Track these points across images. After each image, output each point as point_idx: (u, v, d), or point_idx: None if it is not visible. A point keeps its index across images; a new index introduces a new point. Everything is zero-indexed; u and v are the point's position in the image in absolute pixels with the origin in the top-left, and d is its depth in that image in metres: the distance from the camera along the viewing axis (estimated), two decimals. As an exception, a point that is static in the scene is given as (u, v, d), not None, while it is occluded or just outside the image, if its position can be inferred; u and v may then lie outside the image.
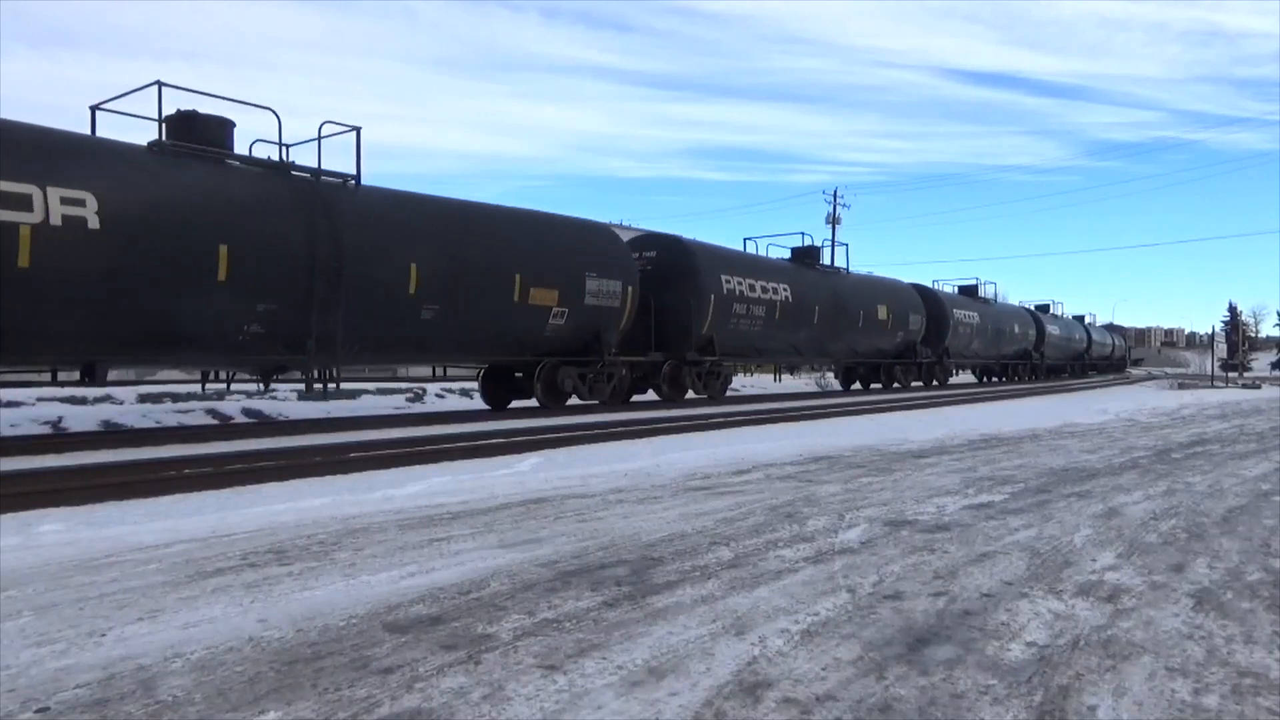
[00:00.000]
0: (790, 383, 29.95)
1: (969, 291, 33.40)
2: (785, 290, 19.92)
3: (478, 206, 14.00)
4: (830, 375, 29.61)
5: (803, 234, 22.57)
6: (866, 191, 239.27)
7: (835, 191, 49.70)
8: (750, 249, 21.36)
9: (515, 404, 15.23)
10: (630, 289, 15.44)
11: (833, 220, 48.47)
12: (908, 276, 30.51)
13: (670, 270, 17.37)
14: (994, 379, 35.98)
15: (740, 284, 18.50)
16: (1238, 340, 64.02)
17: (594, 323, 14.82)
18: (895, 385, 25.93)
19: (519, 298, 13.39)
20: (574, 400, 15.09)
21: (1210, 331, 53.69)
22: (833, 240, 48.12)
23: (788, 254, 22.31)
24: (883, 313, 24.29)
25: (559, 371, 14.52)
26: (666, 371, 17.24)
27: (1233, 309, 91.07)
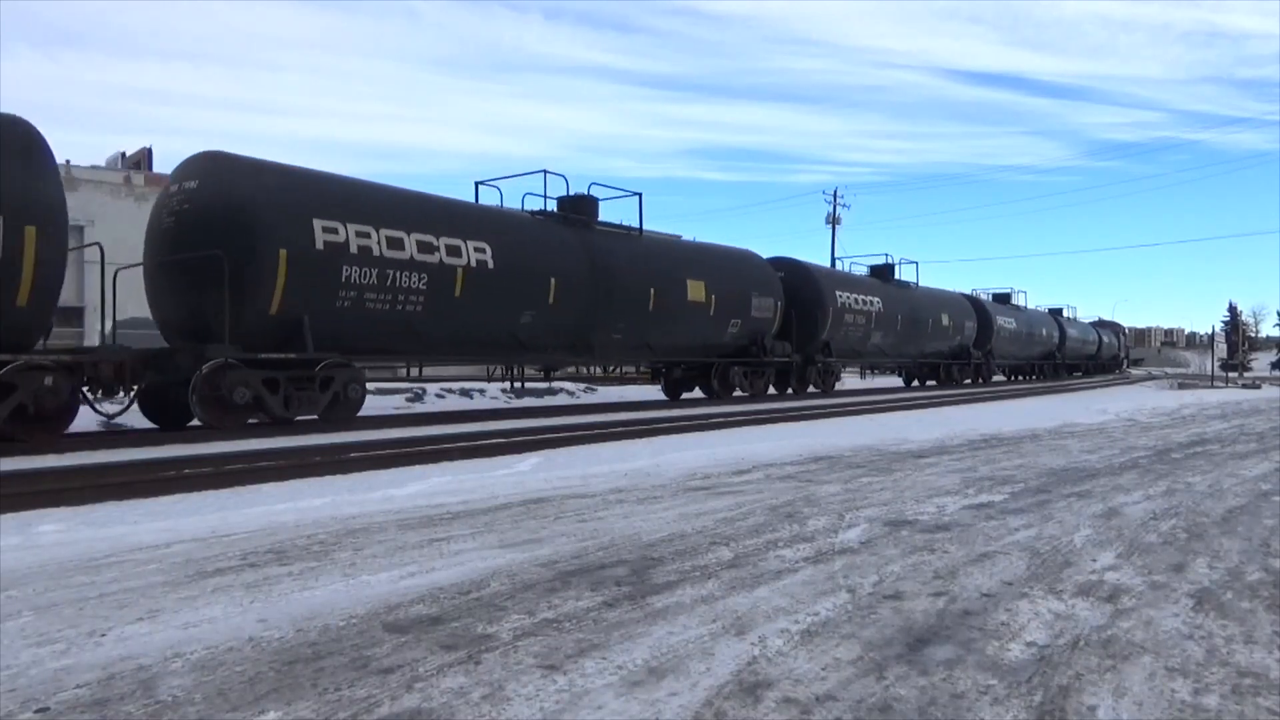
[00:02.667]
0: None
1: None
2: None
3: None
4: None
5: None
6: (868, 192, 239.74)
7: (835, 192, 49.77)
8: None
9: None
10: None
11: (833, 220, 48.52)
12: (908, 277, 30.17)
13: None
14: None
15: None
16: (1238, 340, 64.00)
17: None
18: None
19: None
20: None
21: (1210, 331, 53.64)
22: (833, 240, 48.12)
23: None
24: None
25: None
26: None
27: (1233, 309, 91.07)
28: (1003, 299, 36.88)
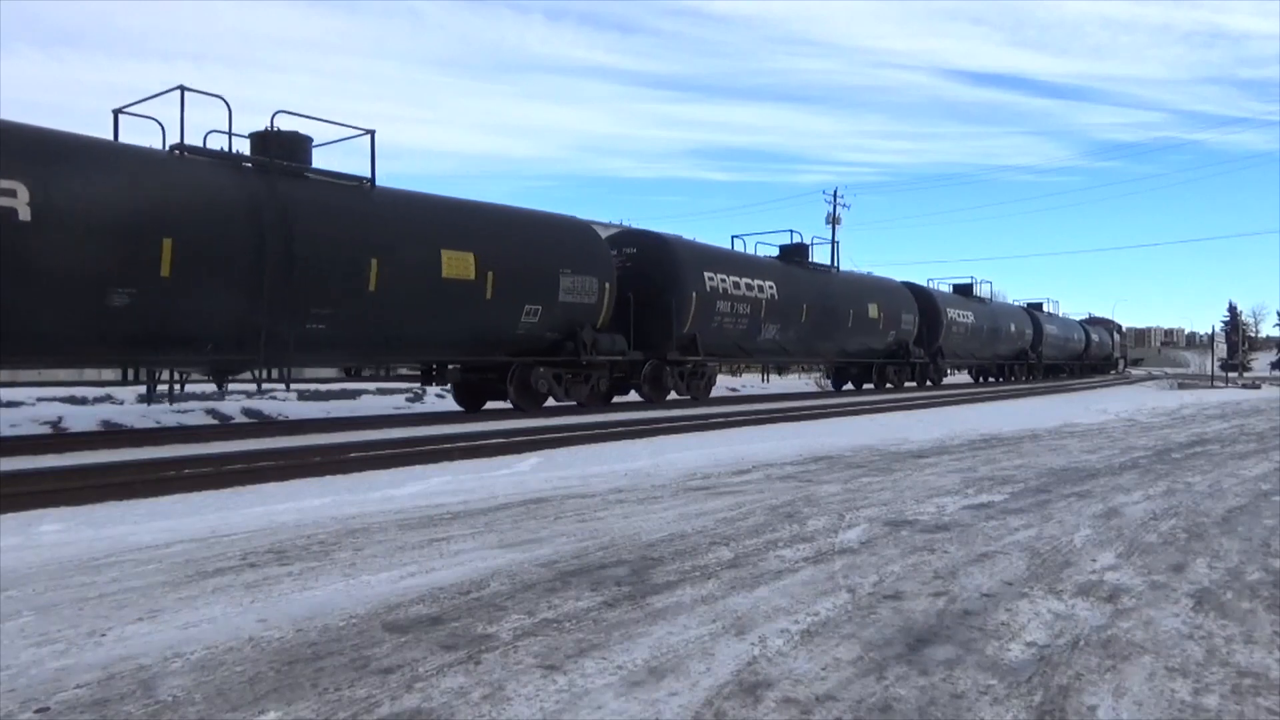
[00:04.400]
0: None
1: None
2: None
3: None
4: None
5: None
6: (869, 192, 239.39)
7: (835, 191, 49.74)
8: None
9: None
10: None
11: (833, 220, 48.47)
12: (909, 277, 29.80)
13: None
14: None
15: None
16: (1238, 340, 64.01)
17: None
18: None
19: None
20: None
21: (1210, 331, 53.59)
22: (833, 240, 48.11)
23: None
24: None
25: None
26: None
27: (1233, 309, 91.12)
28: (964, 290, 32.21)
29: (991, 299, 34.28)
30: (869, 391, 24.06)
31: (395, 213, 12.08)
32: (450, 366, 13.70)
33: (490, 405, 14.72)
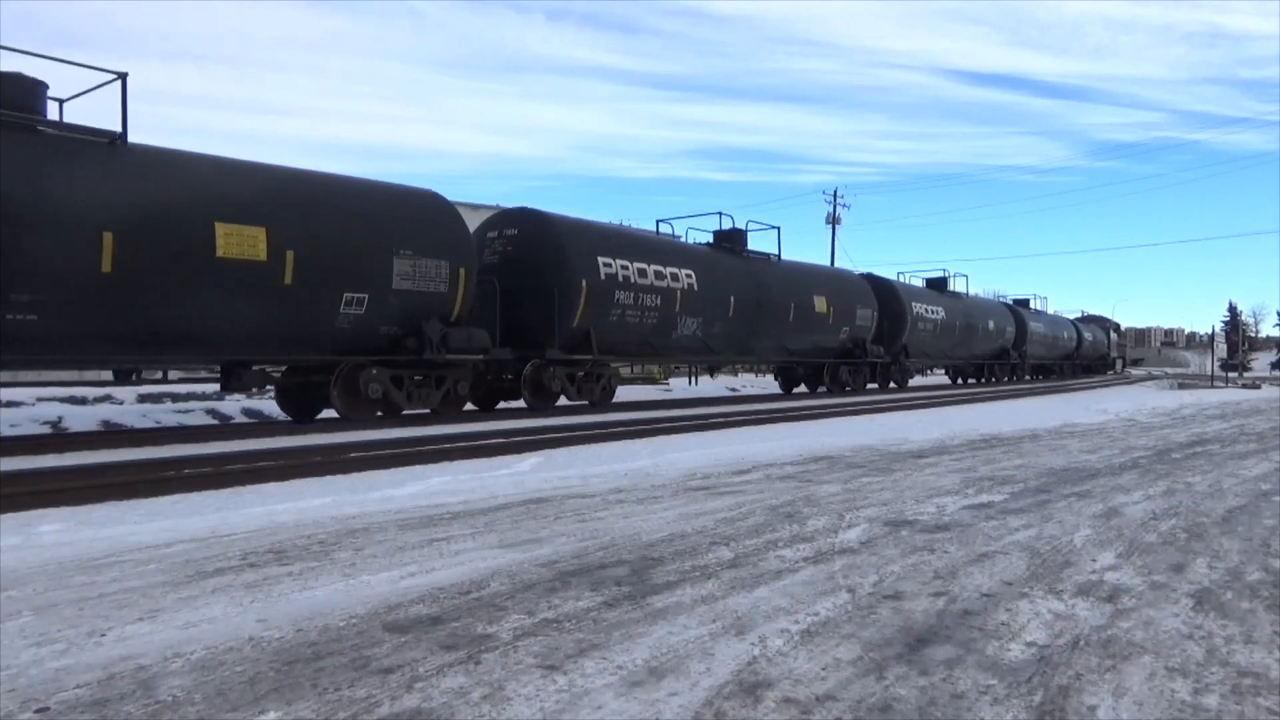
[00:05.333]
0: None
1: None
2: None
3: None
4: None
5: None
6: (869, 192, 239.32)
7: (835, 191, 49.73)
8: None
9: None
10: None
11: (833, 220, 48.51)
12: (907, 277, 28.16)
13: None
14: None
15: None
16: (1238, 340, 64.03)
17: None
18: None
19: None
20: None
21: (1210, 331, 53.57)
22: (833, 240, 48.09)
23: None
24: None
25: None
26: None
27: (1233, 309, 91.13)
28: (937, 284, 29.68)
29: (968, 294, 31.25)
30: (822, 395, 21.21)
31: (148, 177, 9.60)
32: (255, 368, 11.04)
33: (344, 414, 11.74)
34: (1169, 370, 63.34)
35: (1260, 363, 72.41)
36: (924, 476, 6.81)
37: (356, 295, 11.23)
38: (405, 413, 12.20)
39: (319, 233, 10.86)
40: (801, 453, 8.43)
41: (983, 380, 33.01)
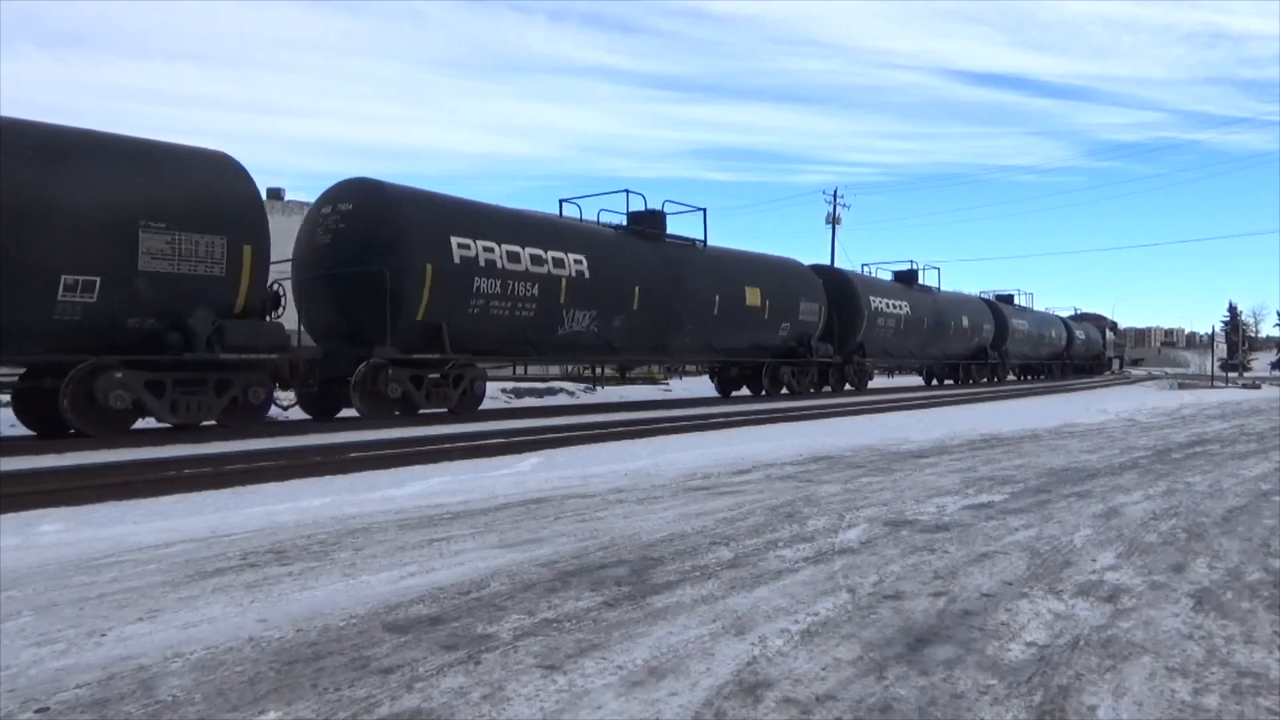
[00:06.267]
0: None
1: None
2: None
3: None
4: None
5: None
6: (870, 192, 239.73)
7: (835, 191, 49.70)
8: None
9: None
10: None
11: (833, 220, 48.49)
12: (875, 270, 25.96)
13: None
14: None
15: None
16: (1238, 340, 64.00)
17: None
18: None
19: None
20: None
21: (1210, 331, 53.55)
22: (832, 240, 48.07)
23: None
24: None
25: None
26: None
27: (1233, 309, 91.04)
28: (906, 278, 27.10)
29: (939, 288, 28.77)
30: (761, 399, 18.89)
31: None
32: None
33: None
34: (1169, 370, 63.23)
35: (1260, 363, 72.38)
36: (924, 476, 6.81)
37: (84, 279, 8.95)
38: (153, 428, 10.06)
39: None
40: (801, 453, 8.43)
41: (959, 382, 30.55)
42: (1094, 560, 3.97)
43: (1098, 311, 55.20)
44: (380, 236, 12.10)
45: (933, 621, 3.02)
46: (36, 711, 2.24)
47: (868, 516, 5.05)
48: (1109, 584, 3.55)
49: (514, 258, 13.56)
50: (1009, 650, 2.73)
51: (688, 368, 22.13)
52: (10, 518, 5.11)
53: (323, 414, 12.42)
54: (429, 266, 12.33)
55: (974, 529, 4.69)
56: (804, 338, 20.57)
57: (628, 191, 17.00)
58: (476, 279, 12.98)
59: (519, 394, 19.92)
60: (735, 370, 20.34)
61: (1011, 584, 3.54)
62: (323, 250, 12.45)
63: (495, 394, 19.48)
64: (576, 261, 14.59)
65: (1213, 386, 33.59)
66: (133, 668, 2.54)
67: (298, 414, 12.60)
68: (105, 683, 2.43)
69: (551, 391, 21.06)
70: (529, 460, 8.16)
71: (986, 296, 34.00)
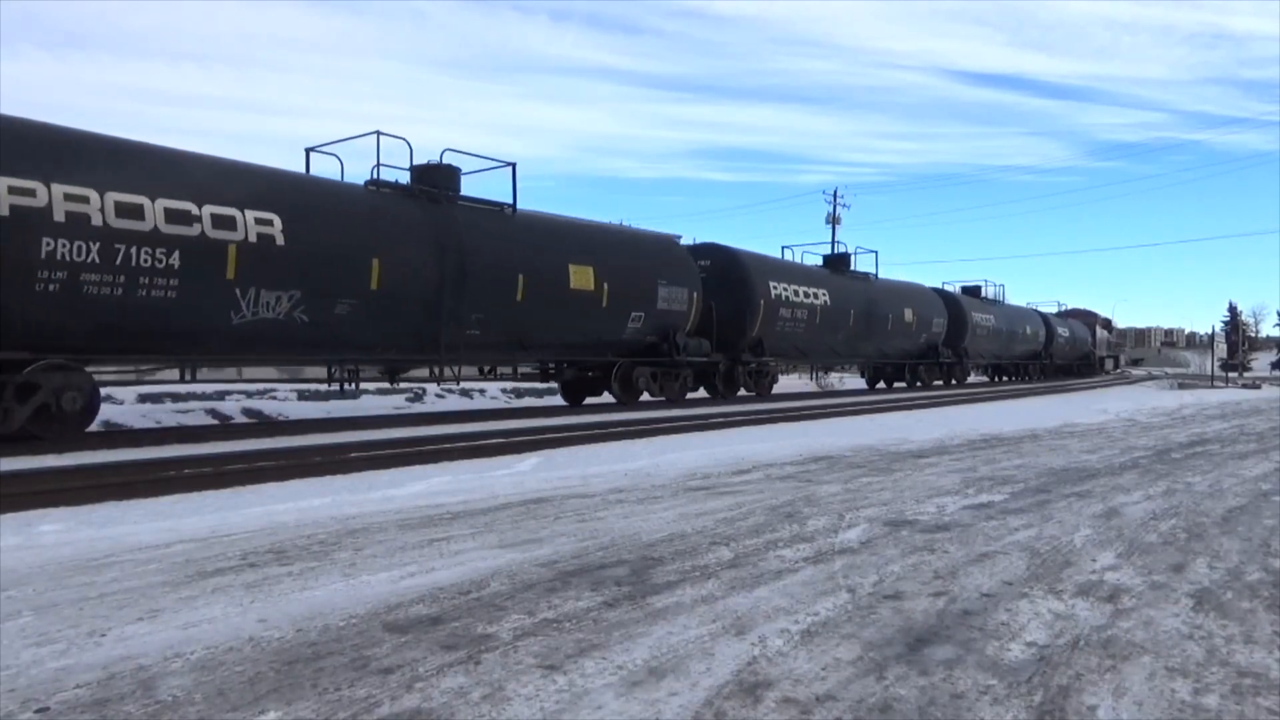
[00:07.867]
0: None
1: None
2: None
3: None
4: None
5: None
6: (870, 192, 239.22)
7: (835, 192, 49.71)
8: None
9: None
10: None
11: (832, 220, 48.47)
12: (909, 276, 28.32)
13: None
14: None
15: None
16: (1238, 340, 64.02)
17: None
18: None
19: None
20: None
21: (1210, 331, 53.50)
22: (833, 241, 48.12)
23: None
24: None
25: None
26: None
27: (1233, 309, 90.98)
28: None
29: (876, 276, 25.16)
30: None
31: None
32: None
33: None
34: (1169, 370, 63.14)
35: (1260, 363, 72.36)
36: (924, 476, 6.81)
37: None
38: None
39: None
40: (801, 453, 8.43)
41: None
42: (1094, 560, 3.97)
43: (1090, 308, 52.12)
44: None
45: (933, 621, 3.02)
46: (36, 711, 2.24)
47: (868, 516, 5.05)
48: (1109, 584, 3.55)
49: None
50: (1009, 650, 2.73)
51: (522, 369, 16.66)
52: (10, 518, 5.11)
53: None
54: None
55: (974, 529, 4.69)
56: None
57: (379, 133, 12.53)
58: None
59: (519, 394, 19.90)
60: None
61: (1011, 584, 3.54)
62: None
63: (495, 394, 19.50)
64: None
65: (1213, 386, 33.59)
66: (133, 668, 2.54)
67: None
68: (105, 683, 2.43)
69: (551, 391, 21.02)
70: (529, 460, 8.16)
71: (943, 288, 29.66)
